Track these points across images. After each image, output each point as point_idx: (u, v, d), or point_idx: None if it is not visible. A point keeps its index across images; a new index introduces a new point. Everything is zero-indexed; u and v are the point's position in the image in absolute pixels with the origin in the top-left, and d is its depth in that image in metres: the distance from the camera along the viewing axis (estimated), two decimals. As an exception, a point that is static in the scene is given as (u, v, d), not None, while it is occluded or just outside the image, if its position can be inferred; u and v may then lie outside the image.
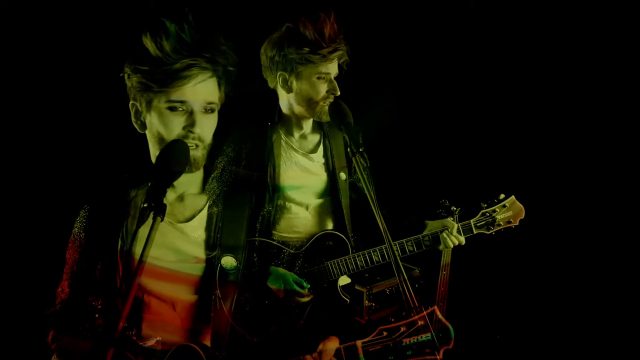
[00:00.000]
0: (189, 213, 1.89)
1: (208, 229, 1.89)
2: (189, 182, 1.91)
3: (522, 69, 3.01)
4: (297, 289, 2.21)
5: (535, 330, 3.01)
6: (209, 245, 1.87)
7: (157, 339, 1.80)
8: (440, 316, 1.80)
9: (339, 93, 2.30)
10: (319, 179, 2.42)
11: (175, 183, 1.87)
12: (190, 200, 1.90)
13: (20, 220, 2.51)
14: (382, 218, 1.83)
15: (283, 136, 2.42)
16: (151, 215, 1.51)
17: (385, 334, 1.79)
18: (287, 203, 2.38)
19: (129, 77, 1.79)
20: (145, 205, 1.51)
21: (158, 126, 1.78)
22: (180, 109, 1.76)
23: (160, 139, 1.78)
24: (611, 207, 2.96)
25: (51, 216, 2.31)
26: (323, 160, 2.44)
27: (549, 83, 3.01)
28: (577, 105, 3.00)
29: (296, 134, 2.43)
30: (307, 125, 2.43)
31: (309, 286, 2.26)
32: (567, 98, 3.01)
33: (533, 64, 2.99)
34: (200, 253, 1.85)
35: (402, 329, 1.78)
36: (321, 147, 2.45)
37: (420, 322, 1.80)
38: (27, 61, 2.49)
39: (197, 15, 1.81)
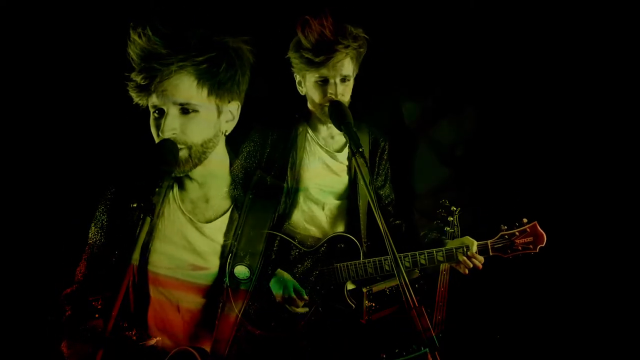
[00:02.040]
0: (212, 214, 1.90)
1: (227, 234, 1.89)
2: (216, 184, 1.91)
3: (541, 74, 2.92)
4: (294, 297, 2.19)
5: (535, 330, 3.05)
6: (225, 250, 1.86)
7: (157, 338, 1.83)
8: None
9: (337, 97, 2.26)
10: (340, 179, 2.41)
11: (202, 182, 1.87)
12: (214, 201, 1.91)
13: (44, 201, 2.56)
14: (382, 220, 1.80)
15: (309, 130, 2.40)
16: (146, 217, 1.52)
17: None
18: (303, 198, 2.37)
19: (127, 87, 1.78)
20: (135, 205, 1.52)
21: (152, 130, 1.80)
22: (156, 113, 1.76)
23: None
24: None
25: (74, 199, 2.36)
26: (347, 163, 2.42)
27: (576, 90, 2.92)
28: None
29: (322, 131, 2.42)
30: (331, 124, 2.36)
31: (307, 298, 2.23)
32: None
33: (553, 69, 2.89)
34: (214, 257, 1.86)
35: None
36: (347, 149, 2.41)
37: None
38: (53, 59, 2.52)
39: (169, 17, 1.76)
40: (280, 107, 2.46)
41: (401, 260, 2.01)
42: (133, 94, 1.76)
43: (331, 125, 2.38)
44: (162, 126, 1.72)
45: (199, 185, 1.87)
